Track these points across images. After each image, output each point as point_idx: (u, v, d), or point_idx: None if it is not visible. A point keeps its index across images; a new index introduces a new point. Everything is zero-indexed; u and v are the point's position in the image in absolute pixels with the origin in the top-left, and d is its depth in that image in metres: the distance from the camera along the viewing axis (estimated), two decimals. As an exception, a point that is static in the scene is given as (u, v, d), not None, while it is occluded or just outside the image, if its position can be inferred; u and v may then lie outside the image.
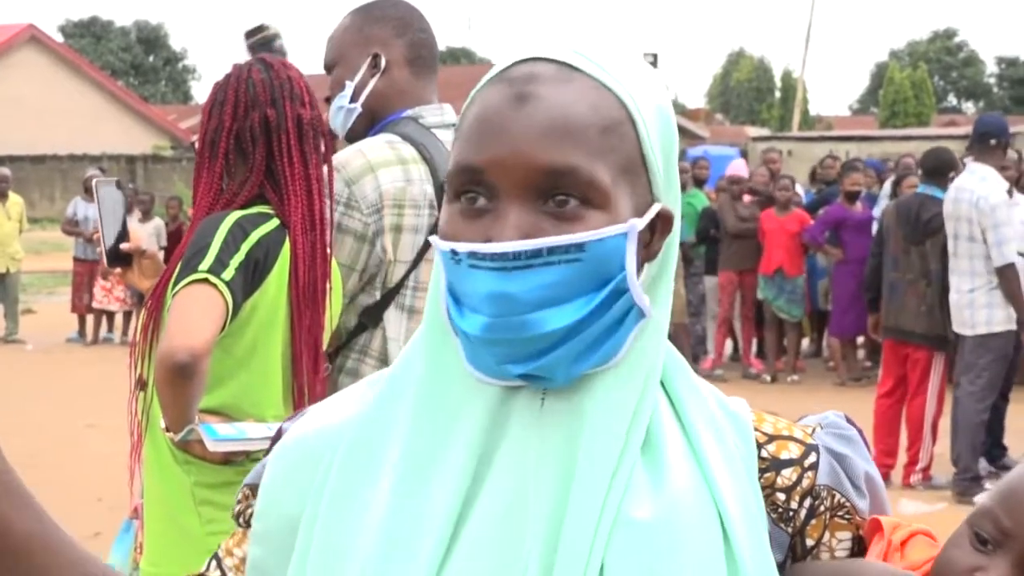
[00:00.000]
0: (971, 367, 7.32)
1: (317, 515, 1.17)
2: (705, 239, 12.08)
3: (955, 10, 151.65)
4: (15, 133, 35.27)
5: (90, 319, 14.79)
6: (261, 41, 3.37)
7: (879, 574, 1.20)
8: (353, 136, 3.26)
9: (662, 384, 1.19)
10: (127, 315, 14.74)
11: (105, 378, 12.79)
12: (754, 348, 12.43)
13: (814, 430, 1.27)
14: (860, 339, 11.92)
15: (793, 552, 1.23)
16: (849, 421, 1.29)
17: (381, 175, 3.04)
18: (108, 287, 14.49)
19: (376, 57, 3.19)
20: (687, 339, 12.04)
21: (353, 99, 3.20)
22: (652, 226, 1.15)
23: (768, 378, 11.76)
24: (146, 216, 14.64)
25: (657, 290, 1.18)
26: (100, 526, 6.80)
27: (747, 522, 1.15)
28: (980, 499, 1.21)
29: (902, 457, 8.10)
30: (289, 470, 1.22)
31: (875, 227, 10.90)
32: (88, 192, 15.17)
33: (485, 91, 1.14)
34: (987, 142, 7.20)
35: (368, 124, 3.23)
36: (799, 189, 12.93)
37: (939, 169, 8.04)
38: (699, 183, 12.86)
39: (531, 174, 1.09)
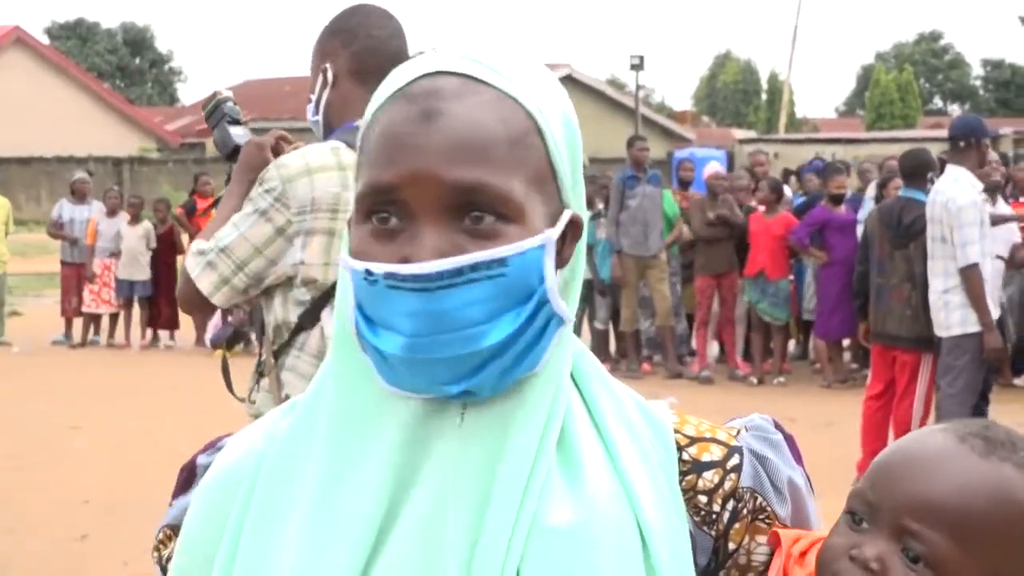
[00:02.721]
0: (949, 369, 7.31)
1: (236, 550, 1.16)
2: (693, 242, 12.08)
3: (940, 12, 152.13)
4: (1, 135, 35.18)
5: (79, 322, 14.72)
6: (213, 108, 3.43)
7: None
8: None
9: (576, 386, 1.19)
10: (113, 317, 14.70)
11: (91, 380, 12.72)
12: (740, 350, 12.45)
13: (739, 432, 1.25)
14: (846, 341, 11.94)
15: (717, 556, 1.21)
16: (778, 426, 1.28)
17: (316, 179, 3.11)
18: (96, 290, 14.44)
19: (325, 71, 3.25)
20: (672, 341, 12.07)
21: (316, 112, 3.29)
22: (563, 232, 1.14)
23: (755, 380, 11.72)
24: (135, 219, 14.59)
25: (569, 293, 1.17)
26: (86, 528, 6.77)
27: (665, 527, 1.14)
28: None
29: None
30: (208, 509, 1.20)
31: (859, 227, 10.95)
32: (74, 194, 15.16)
33: (387, 110, 1.11)
34: (957, 144, 7.23)
35: (327, 136, 3.30)
36: (787, 192, 12.95)
37: (917, 170, 8.05)
38: (684, 185, 12.86)
39: (444, 192, 1.07)
